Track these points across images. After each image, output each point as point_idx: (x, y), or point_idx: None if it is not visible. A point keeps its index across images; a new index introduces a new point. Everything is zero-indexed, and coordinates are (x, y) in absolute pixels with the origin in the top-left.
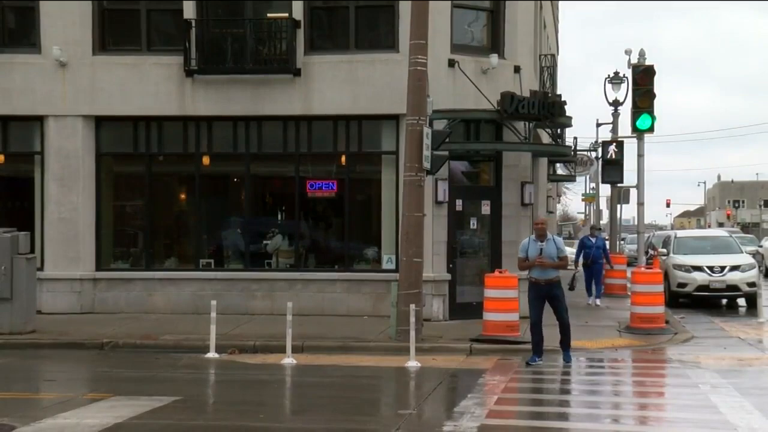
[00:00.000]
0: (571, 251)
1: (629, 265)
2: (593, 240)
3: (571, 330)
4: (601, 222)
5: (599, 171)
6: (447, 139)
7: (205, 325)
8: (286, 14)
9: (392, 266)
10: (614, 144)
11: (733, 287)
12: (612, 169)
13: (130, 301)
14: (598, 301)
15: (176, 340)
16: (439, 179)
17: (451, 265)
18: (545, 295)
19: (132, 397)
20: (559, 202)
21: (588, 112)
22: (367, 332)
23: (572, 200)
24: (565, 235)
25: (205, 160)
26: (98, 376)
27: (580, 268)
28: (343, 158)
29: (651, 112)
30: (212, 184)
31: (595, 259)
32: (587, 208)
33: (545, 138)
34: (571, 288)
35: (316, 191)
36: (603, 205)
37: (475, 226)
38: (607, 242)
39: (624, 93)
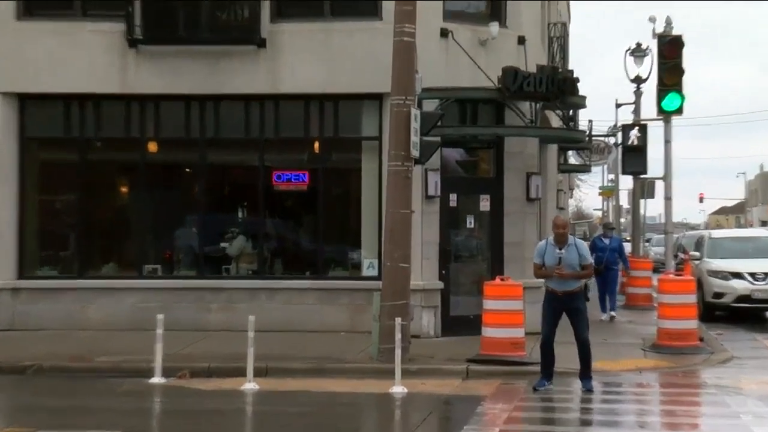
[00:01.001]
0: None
1: (655, 271)
2: (606, 241)
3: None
4: (622, 220)
5: (619, 160)
6: (439, 123)
7: (150, 343)
8: None
9: (374, 273)
10: (636, 128)
11: None
12: (634, 158)
13: (58, 316)
14: (612, 314)
15: (114, 362)
16: (430, 170)
17: (443, 272)
18: (564, 308)
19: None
20: (571, 197)
21: (606, 91)
22: (344, 351)
23: (587, 194)
24: (579, 235)
25: (152, 146)
26: (19, 406)
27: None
28: (317, 145)
29: (679, 91)
30: (160, 175)
31: (608, 265)
32: (605, 203)
33: (555, 121)
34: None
35: (285, 184)
36: (623, 200)
37: (472, 225)
38: (627, 244)
39: (648, 68)
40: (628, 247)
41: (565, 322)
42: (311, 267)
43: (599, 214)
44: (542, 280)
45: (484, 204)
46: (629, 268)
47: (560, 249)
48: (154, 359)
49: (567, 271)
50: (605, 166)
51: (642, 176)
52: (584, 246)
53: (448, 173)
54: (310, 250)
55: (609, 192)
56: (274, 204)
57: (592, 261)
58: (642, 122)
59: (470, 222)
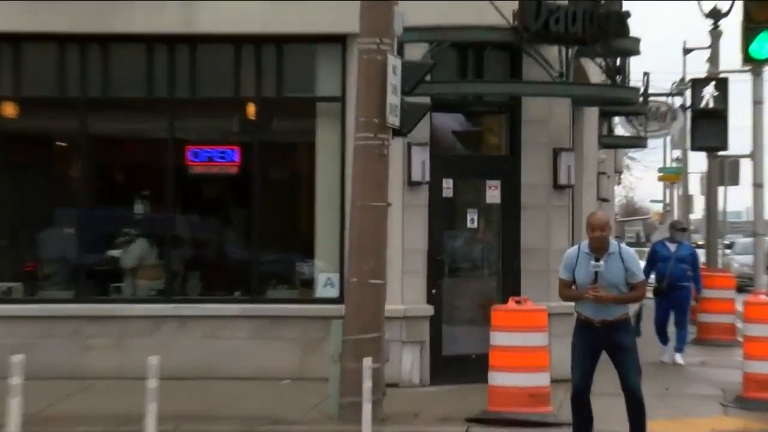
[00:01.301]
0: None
1: (740, 291)
2: (672, 248)
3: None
4: (691, 217)
5: (688, 130)
6: (428, 77)
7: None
8: None
9: (334, 293)
10: (713, 84)
11: None
12: (709, 127)
13: None
14: (679, 357)
15: None
16: (415, 144)
17: (434, 291)
18: (603, 344)
19: None
20: (619, 183)
21: (669, 32)
22: (288, 407)
23: (642, 180)
24: (628, 240)
25: (8, 108)
26: None
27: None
28: (251, 108)
29: None
30: (20, 150)
31: (675, 282)
32: (667, 193)
33: (595, 74)
34: (634, 332)
35: (205, 164)
36: (694, 187)
37: (474, 224)
38: (700, 251)
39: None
40: (701, 256)
41: (607, 364)
42: (242, 285)
43: (659, 208)
44: (572, 303)
45: (493, 194)
46: (702, 286)
47: (597, 260)
48: (6, 424)
49: (606, 291)
50: (668, 139)
51: (721, 153)
52: (633, 256)
53: (442, 150)
54: (242, 260)
55: (673, 176)
56: (188, 194)
57: (644, 278)
58: (721, 75)
59: (472, 220)
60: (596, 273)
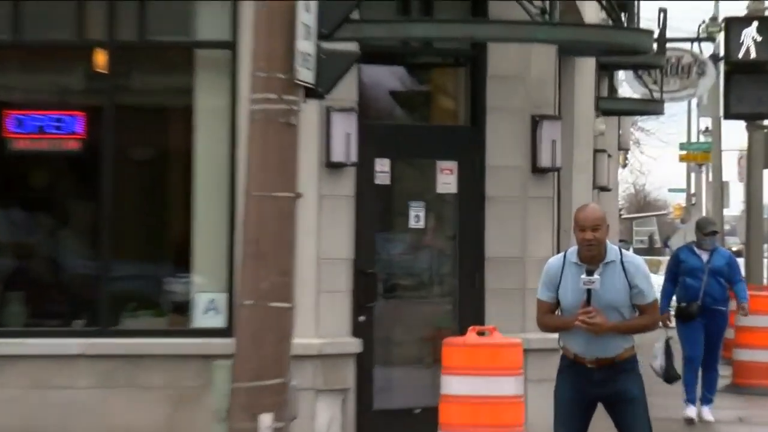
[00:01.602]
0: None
1: None
2: (704, 256)
3: None
4: (726, 212)
5: (720, 90)
6: (357, 13)
7: None
8: None
9: (219, 321)
10: (756, 25)
11: None
12: (750, 86)
13: None
14: (706, 411)
15: None
16: (337, 110)
17: (362, 318)
18: (598, 393)
19: None
20: (624, 165)
21: None
22: None
23: (657, 160)
24: (639, 243)
25: None
26: None
27: (673, 322)
28: (101, 57)
29: None
30: None
31: (711, 303)
32: (692, 179)
33: (591, 13)
34: (668, 377)
35: (33, 137)
36: (730, 171)
37: (420, 223)
38: (740, 260)
39: None
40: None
41: (604, 420)
42: (86, 311)
43: (680, 200)
44: (555, 334)
45: (447, 180)
46: (746, 308)
47: (590, 273)
48: None
49: (603, 317)
50: (693, 103)
51: (767, 123)
52: (640, 267)
53: (375, 118)
54: (85, 275)
55: (700, 155)
56: (8, 180)
57: (657, 298)
58: (767, 14)
59: (418, 217)
60: (588, 291)
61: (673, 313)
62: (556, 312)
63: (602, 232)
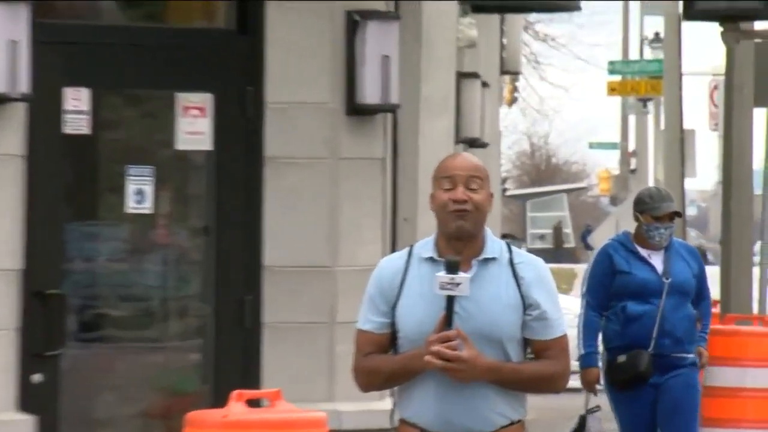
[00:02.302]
0: (568, 310)
1: None
2: (654, 260)
3: None
4: (689, 183)
5: None
6: None
7: None
8: None
9: None
10: None
11: None
12: None
13: None
14: None
15: None
16: None
17: (37, 377)
18: None
19: None
20: (513, 100)
21: None
22: None
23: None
24: (534, 241)
25: None
26: None
27: (602, 383)
28: None
29: None
30: None
31: (670, 348)
32: (631, 125)
33: None
34: None
35: None
36: (695, 112)
37: (146, 204)
38: (711, 268)
39: None
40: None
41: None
42: None
43: (608, 163)
44: (388, 391)
45: (193, 128)
46: (703, 352)
47: (452, 267)
48: None
49: (473, 349)
50: None
51: (759, 25)
52: (542, 271)
53: (65, 16)
54: None
55: (643, 83)
56: None
57: (566, 325)
58: None
59: (140, 194)
60: (450, 301)
61: (602, 367)
62: (390, 351)
63: (483, 195)
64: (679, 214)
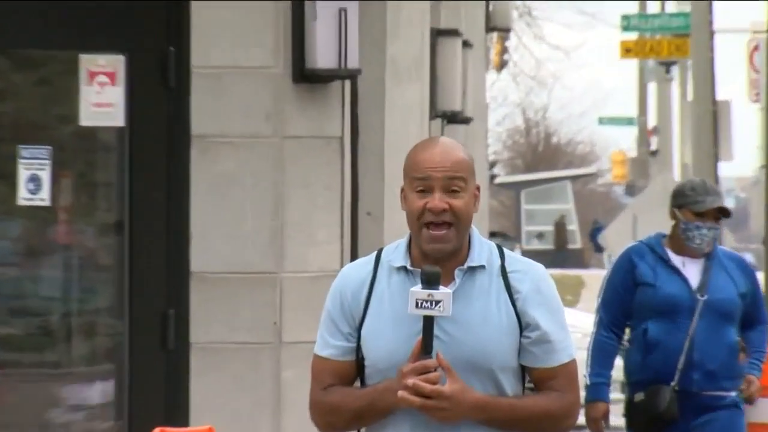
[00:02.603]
0: (575, 328)
1: None
2: (690, 270)
3: None
4: (723, 169)
5: None
6: None
7: None
8: None
9: None
10: None
11: None
12: None
13: None
14: None
15: None
16: None
17: None
18: None
19: None
20: (503, 64)
21: None
22: None
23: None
24: (531, 241)
25: None
26: None
27: (617, 420)
28: None
29: None
30: None
31: (704, 384)
32: (649, 95)
33: None
34: None
35: None
36: (731, 80)
37: (42, 194)
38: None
39: None
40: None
41: None
42: None
43: (623, 143)
44: None
45: (100, 98)
46: (755, 384)
47: (431, 279)
48: None
49: (458, 382)
50: None
51: None
52: (543, 283)
53: None
54: None
55: (665, 44)
56: None
57: (574, 352)
58: None
59: (36, 181)
60: (428, 323)
61: (618, 401)
62: (355, 383)
63: (466, 198)
64: (727, 213)
